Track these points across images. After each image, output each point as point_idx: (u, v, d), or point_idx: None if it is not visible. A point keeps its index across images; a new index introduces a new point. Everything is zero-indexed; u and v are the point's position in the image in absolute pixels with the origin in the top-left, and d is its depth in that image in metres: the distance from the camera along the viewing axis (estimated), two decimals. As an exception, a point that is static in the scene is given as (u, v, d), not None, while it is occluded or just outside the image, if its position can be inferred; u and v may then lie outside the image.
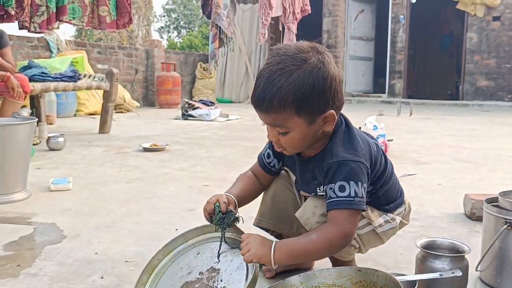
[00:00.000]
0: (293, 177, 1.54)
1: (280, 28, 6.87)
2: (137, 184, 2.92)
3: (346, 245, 1.30)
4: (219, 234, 1.41)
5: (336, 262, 1.49)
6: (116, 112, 7.16)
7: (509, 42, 10.98)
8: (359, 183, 1.26)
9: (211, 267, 1.38)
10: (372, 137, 1.47)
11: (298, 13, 6.46)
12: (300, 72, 1.20)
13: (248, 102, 11.26)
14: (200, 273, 1.37)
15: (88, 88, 5.01)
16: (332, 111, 1.26)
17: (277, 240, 1.33)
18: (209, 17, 5.61)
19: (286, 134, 1.27)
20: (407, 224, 1.59)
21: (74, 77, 4.79)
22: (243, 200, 1.49)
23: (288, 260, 1.30)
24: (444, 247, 1.60)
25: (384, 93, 12.10)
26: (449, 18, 13.35)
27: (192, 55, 11.97)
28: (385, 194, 1.46)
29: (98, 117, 5.80)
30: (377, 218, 1.45)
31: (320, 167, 1.33)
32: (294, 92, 1.19)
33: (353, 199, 1.25)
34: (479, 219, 2.29)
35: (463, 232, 2.16)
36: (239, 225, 1.41)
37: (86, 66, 7.41)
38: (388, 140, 4.16)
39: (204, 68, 11.23)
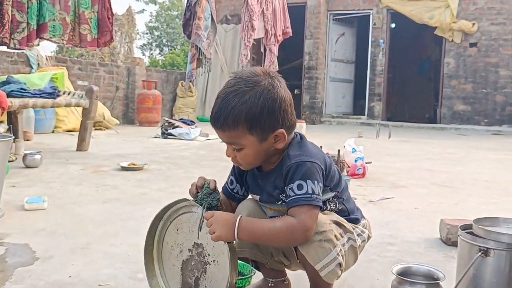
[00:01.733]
0: (256, 197, 1.58)
1: (262, 50, 6.94)
2: (114, 205, 2.89)
3: (305, 241, 1.36)
4: (182, 205, 1.47)
5: (316, 285, 1.48)
6: (95, 129, 7.10)
7: (485, 68, 11.25)
8: (315, 182, 1.36)
9: (194, 242, 1.46)
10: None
11: (279, 35, 6.56)
12: (251, 94, 1.34)
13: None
14: (189, 250, 1.48)
15: (67, 105, 4.96)
16: (282, 130, 1.38)
17: (242, 216, 1.39)
18: (189, 37, 5.64)
19: (240, 150, 1.40)
20: (371, 237, 1.64)
21: (53, 93, 4.74)
22: None
23: (250, 239, 1.41)
24: (419, 273, 1.62)
25: (364, 115, 12.24)
26: (427, 43, 13.65)
27: (173, 73, 11.98)
28: (348, 201, 1.55)
29: (76, 134, 5.73)
30: (354, 230, 1.52)
31: (280, 175, 1.42)
32: (246, 111, 1.33)
33: (310, 196, 1.35)
34: (454, 244, 2.32)
35: (439, 258, 2.18)
36: None
37: (66, 82, 7.35)
38: (366, 163, 4.20)
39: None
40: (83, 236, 2.25)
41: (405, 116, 13.33)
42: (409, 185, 3.91)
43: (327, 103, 12.36)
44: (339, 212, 1.53)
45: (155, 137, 7.03)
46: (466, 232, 1.65)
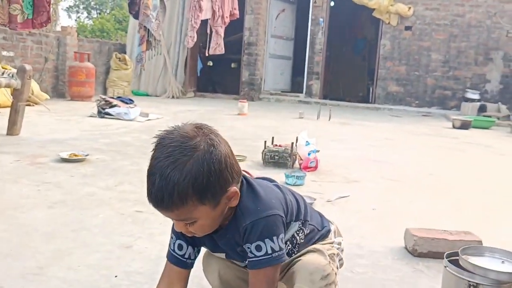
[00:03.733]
0: (221, 255, 1.46)
1: (208, 31, 6.67)
2: (61, 210, 2.64)
3: None
4: None
5: None
6: (24, 106, 6.56)
7: (418, 51, 11.59)
8: (274, 238, 1.28)
9: None
10: (267, 179, 1.48)
11: (227, 17, 6.30)
12: (192, 162, 1.16)
13: (166, 97, 10.92)
14: None
15: (-4, 85, 4.51)
16: (234, 187, 1.25)
17: None
18: (136, 17, 5.28)
19: (194, 223, 1.25)
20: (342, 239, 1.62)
21: (-21, 72, 4.29)
22: None
23: None
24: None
25: (302, 92, 12.30)
26: (363, 24, 13.83)
27: (107, 44, 11.35)
28: (312, 218, 1.49)
29: (4, 112, 5.26)
30: (334, 248, 1.49)
31: (237, 232, 1.32)
32: (193, 183, 1.16)
33: (270, 255, 1.27)
34: (421, 255, 2.34)
35: (408, 272, 2.18)
36: None
37: (-11, 53, 6.71)
38: (315, 151, 4.16)
39: (119, 58, 10.69)
40: (33, 256, 2.02)
41: (340, 94, 13.55)
42: (361, 179, 3.93)
43: (266, 79, 12.27)
44: (309, 234, 1.47)
45: (91, 116, 6.63)
46: (451, 263, 1.63)
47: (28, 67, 4.61)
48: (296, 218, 1.42)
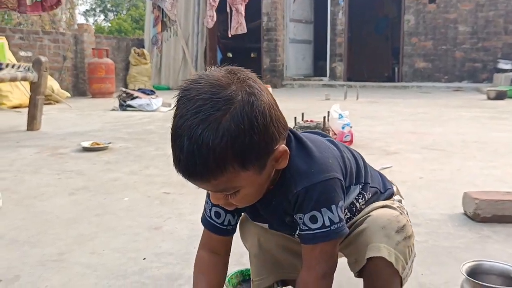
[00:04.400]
0: (264, 225, 1.22)
1: (228, 10, 6.40)
2: (84, 196, 2.45)
3: (330, 285, 1.08)
4: None
5: None
6: (45, 104, 6.45)
7: (444, 24, 11.15)
8: (333, 207, 1.03)
9: None
10: (318, 133, 1.21)
11: (246, -7, 6.03)
12: (230, 118, 0.89)
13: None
14: None
15: (13, 79, 4.37)
16: (282, 145, 0.99)
17: None
18: (149, -3, 5.06)
19: (236, 194, 0.99)
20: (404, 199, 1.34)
21: (-6, 67, 4.15)
22: None
23: None
24: (494, 272, 1.31)
25: (325, 76, 11.99)
26: (384, 2, 13.41)
27: (124, 40, 11.22)
28: (373, 179, 1.24)
29: (24, 111, 5.15)
30: (402, 206, 1.24)
31: (285, 199, 1.07)
32: (232, 145, 0.89)
33: (328, 228, 1.03)
34: (484, 220, 2.07)
35: (473, 238, 1.92)
36: None
37: (7, 54, 6.62)
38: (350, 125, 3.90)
39: (138, 53, 10.54)
40: (53, 243, 1.83)
41: (364, 76, 13.17)
42: (400, 150, 3.65)
43: (287, 65, 12.00)
44: (371, 198, 1.22)
45: (113, 110, 6.48)
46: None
47: (43, 58, 4.45)
48: (356, 181, 1.17)
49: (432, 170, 3.04)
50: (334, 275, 1.08)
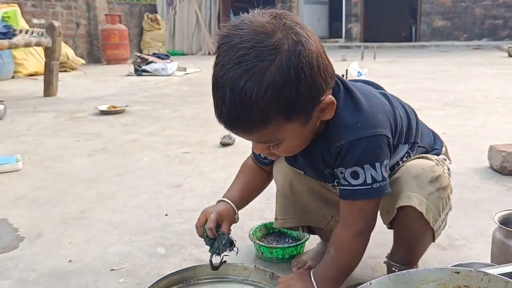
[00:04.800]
0: (299, 171, 1.19)
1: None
2: (103, 157, 2.44)
3: (366, 243, 1.05)
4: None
5: (411, 250, 1.13)
6: (60, 71, 6.43)
7: (464, -21, 10.79)
8: (377, 164, 0.98)
9: None
10: (370, 83, 1.13)
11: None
12: (275, 69, 0.84)
13: (201, 54, 10.63)
14: None
15: (27, 45, 4.34)
16: (329, 96, 0.94)
17: (313, 272, 1.09)
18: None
19: (279, 145, 0.97)
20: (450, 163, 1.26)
21: (8, 33, 4.13)
22: (248, 197, 1.27)
23: (333, 286, 1.07)
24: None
25: (341, 37, 11.75)
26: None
27: (137, 5, 11.07)
28: (423, 137, 1.18)
29: (40, 78, 5.14)
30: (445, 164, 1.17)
31: (328, 152, 1.02)
32: (277, 97, 0.85)
33: (370, 186, 0.98)
34: (511, 173, 2.01)
35: (501, 191, 1.87)
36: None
37: (20, 21, 6.57)
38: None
39: (151, 19, 10.41)
40: (74, 202, 1.82)
41: (380, 37, 12.87)
42: (422, 107, 3.56)
43: (302, 27, 11.77)
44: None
45: (129, 75, 6.44)
46: None
47: (56, 23, 4.40)
48: (405, 140, 1.10)
49: (456, 125, 2.97)
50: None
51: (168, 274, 1.18)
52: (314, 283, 1.05)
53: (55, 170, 2.22)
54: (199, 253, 1.38)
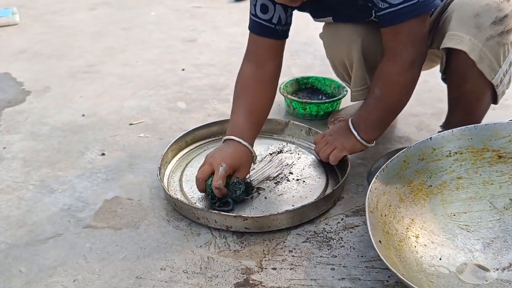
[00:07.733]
0: (327, 19, 1.02)
1: None
2: (106, 11, 2.23)
3: (417, 77, 0.88)
4: None
5: (468, 110, 0.96)
6: None
7: None
8: None
9: None
10: None
11: None
12: None
13: None
14: None
15: None
16: None
17: (351, 119, 0.95)
18: None
19: None
20: None
21: None
22: (258, 123, 0.98)
23: (378, 132, 0.94)
24: None
25: None
26: None
27: None
28: None
29: None
30: None
31: None
32: None
33: (415, 0, 0.79)
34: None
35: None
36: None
37: None
38: None
39: None
40: (80, 55, 1.66)
41: None
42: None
43: None
44: None
45: None
46: None
47: None
48: None
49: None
50: None
51: (194, 129, 1.07)
52: (355, 133, 0.92)
53: (56, 24, 2.02)
54: (224, 108, 1.26)
